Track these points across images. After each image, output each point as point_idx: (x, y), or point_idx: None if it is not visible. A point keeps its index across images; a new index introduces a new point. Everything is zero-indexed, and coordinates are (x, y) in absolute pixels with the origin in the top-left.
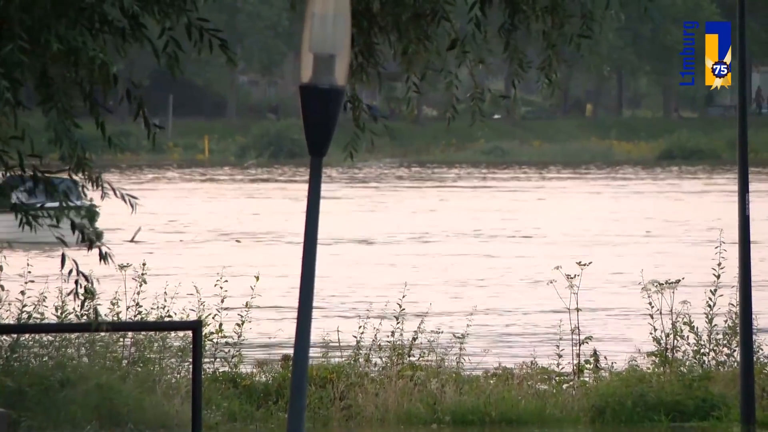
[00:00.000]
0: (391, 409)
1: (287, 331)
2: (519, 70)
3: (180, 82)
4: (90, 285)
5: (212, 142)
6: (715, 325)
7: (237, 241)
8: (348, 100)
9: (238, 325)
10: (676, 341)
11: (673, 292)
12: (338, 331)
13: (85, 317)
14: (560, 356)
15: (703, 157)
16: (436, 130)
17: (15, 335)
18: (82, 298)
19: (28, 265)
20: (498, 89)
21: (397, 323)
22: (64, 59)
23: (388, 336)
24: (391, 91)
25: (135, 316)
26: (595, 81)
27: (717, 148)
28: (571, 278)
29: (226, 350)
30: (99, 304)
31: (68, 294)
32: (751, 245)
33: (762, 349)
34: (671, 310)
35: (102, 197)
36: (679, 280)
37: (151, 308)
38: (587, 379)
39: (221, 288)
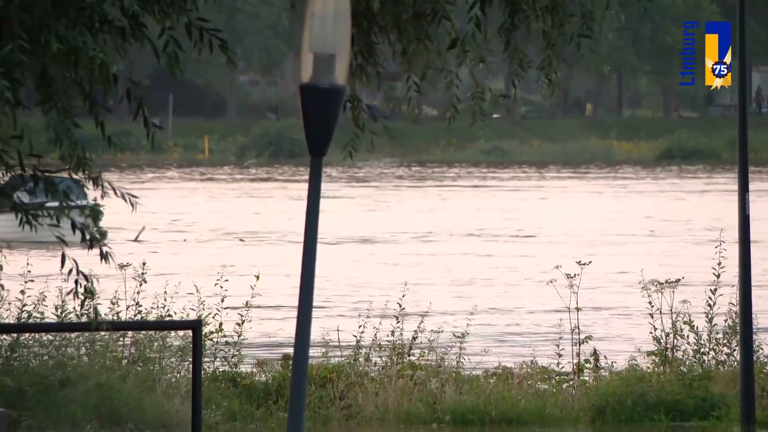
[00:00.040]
0: (391, 409)
1: (287, 330)
2: (519, 69)
3: (180, 82)
4: (90, 284)
5: (212, 141)
6: (715, 324)
7: (241, 240)
8: (347, 99)
9: (238, 324)
10: (676, 341)
11: (673, 292)
12: (338, 330)
13: (84, 317)
14: (560, 356)
15: (703, 156)
16: (436, 130)
17: (15, 334)
18: (82, 297)
19: (28, 264)
20: (498, 89)
21: (397, 323)
22: (64, 59)
23: (388, 335)
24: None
25: (135, 315)
26: (595, 81)
27: (717, 147)
28: (571, 278)
29: (226, 350)
30: (99, 304)
31: (68, 293)
32: (751, 245)
33: (762, 349)
34: (671, 310)
35: (102, 196)
36: (679, 280)
37: (151, 308)
38: (587, 378)
39: (221, 287)
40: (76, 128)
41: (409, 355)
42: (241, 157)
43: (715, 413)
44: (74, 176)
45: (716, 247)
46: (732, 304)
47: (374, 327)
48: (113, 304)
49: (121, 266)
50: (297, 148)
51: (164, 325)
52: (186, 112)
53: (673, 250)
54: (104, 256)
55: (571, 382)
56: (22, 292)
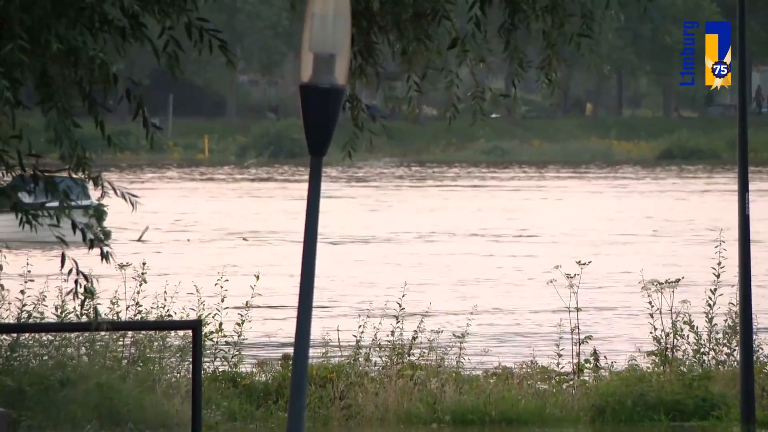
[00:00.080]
0: (391, 409)
1: (287, 330)
2: (519, 69)
3: (180, 82)
4: (90, 284)
5: (212, 141)
6: (715, 324)
7: (244, 239)
8: (347, 99)
9: (238, 324)
10: (676, 341)
11: (673, 292)
12: (338, 330)
13: (84, 317)
14: (560, 356)
15: (703, 156)
16: (436, 130)
17: (15, 334)
18: (81, 297)
19: (28, 264)
20: (498, 88)
21: (397, 322)
22: (64, 59)
23: (388, 336)
24: (391, 91)
25: (135, 315)
26: (595, 80)
27: (717, 147)
28: (571, 278)
29: (226, 350)
30: (99, 304)
31: (68, 293)
32: (752, 245)
33: (762, 349)
34: (671, 310)
35: (102, 196)
36: (679, 280)
37: (151, 308)
38: (587, 378)
39: (221, 287)
40: (76, 128)
41: (409, 355)
42: (241, 157)
43: (715, 413)
44: (74, 176)
45: (716, 247)
46: (732, 304)
47: (374, 327)
48: (113, 304)
49: (121, 266)
50: (297, 148)
51: (164, 325)
52: (186, 112)
53: (676, 250)
54: (105, 256)
55: (571, 382)
56: (22, 292)
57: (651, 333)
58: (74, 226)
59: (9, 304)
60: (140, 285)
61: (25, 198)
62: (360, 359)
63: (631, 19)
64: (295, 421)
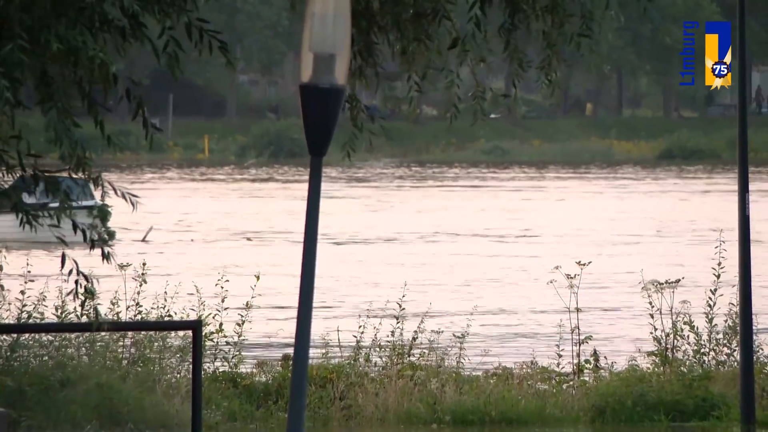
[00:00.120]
0: (391, 409)
1: (288, 330)
2: (519, 69)
3: (180, 82)
4: (90, 285)
5: (212, 141)
6: (715, 324)
7: (248, 239)
8: (345, 99)
9: (238, 324)
10: (676, 341)
11: (673, 292)
12: (338, 330)
13: (84, 317)
14: (560, 356)
15: (703, 156)
16: (436, 130)
17: (15, 335)
18: (82, 297)
19: (27, 264)
20: (498, 88)
21: (397, 323)
22: (64, 59)
23: (388, 336)
24: (391, 91)
25: (135, 315)
26: (595, 80)
27: (717, 147)
28: (571, 278)
29: (227, 350)
30: (99, 304)
31: (68, 294)
32: (752, 245)
33: (762, 349)
34: (671, 310)
35: (102, 196)
36: (679, 280)
37: (152, 308)
38: (587, 378)
39: (222, 288)
40: (75, 128)
41: (409, 356)
42: (241, 157)
43: (715, 413)
44: (75, 176)
45: (716, 247)
46: (732, 304)
47: (374, 327)
48: (113, 304)
49: (121, 266)
50: (297, 148)
51: (164, 325)
52: (186, 111)
53: (679, 251)
54: (106, 257)
55: (571, 383)
56: (22, 292)
57: (651, 333)
58: (75, 227)
59: (9, 304)
60: (140, 285)
61: (27, 198)
62: (360, 359)
63: (631, 19)
64: (295, 422)
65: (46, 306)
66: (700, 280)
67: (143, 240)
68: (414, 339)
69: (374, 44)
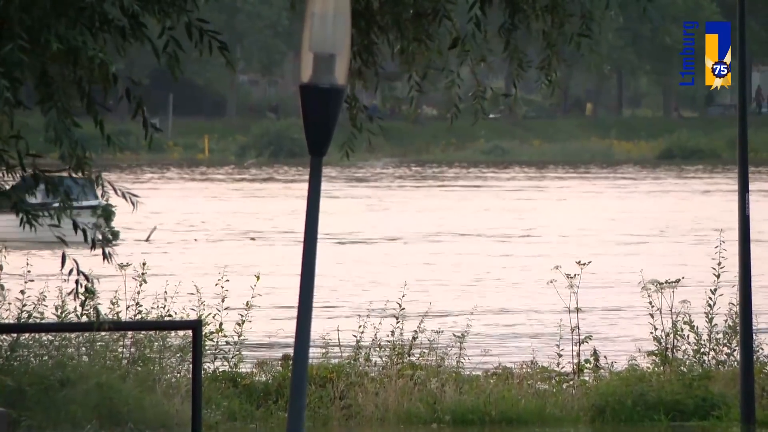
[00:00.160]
0: (391, 409)
1: (288, 330)
2: (519, 69)
3: (180, 82)
4: (90, 284)
5: (212, 141)
6: (715, 324)
7: (251, 239)
8: (345, 99)
9: (238, 324)
10: (676, 341)
11: (673, 292)
12: (338, 330)
13: (84, 317)
14: (560, 356)
15: (703, 156)
16: (436, 130)
17: (15, 334)
18: (82, 297)
19: (27, 264)
20: (499, 87)
21: (397, 322)
22: (64, 59)
23: (388, 335)
24: (391, 91)
25: (135, 315)
26: (595, 80)
27: (717, 147)
28: (571, 278)
29: (227, 350)
30: (99, 304)
31: (69, 293)
32: (752, 245)
33: (762, 349)
34: (671, 310)
35: (102, 196)
36: (679, 280)
37: (152, 308)
38: (587, 378)
39: (222, 287)
40: (75, 128)
41: (409, 355)
42: (241, 157)
43: (715, 413)
44: (75, 176)
45: (716, 247)
46: (732, 304)
47: (374, 327)
48: (113, 304)
49: (121, 266)
50: (297, 148)
51: (164, 325)
52: (186, 111)
53: (683, 251)
54: (107, 256)
55: (571, 382)
56: (22, 292)
57: (651, 333)
58: (75, 226)
59: (9, 304)
60: (140, 285)
61: (31, 198)
62: (360, 359)
63: (630, 19)
64: (295, 421)
65: (46, 306)
66: (704, 279)
67: (147, 240)
68: (414, 339)
69: (374, 44)
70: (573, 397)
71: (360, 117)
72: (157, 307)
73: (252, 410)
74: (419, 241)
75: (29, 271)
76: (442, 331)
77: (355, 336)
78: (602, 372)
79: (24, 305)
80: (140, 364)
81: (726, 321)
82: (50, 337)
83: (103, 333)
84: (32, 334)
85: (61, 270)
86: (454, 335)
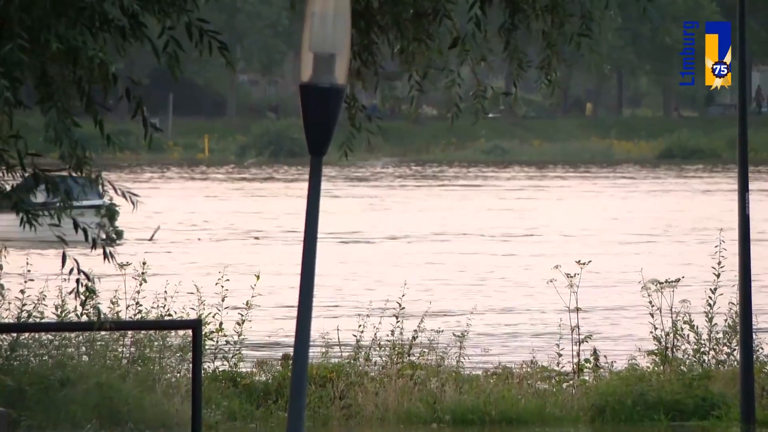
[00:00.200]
0: (391, 409)
1: (288, 330)
2: (519, 69)
3: (180, 82)
4: (91, 283)
5: (212, 141)
6: (715, 324)
7: (255, 238)
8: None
9: (238, 324)
10: (676, 340)
11: (673, 292)
12: (338, 329)
13: (84, 316)
14: (560, 355)
15: (703, 156)
16: (435, 129)
17: (15, 334)
18: (83, 297)
19: (27, 264)
20: (499, 87)
21: (397, 322)
22: (64, 58)
23: (388, 335)
24: (391, 91)
25: (135, 315)
26: (595, 80)
27: (717, 147)
28: (571, 277)
29: (227, 349)
30: (99, 303)
31: (70, 293)
32: (752, 244)
33: (762, 348)
34: (671, 309)
35: (102, 195)
36: (679, 279)
37: (151, 307)
38: (587, 378)
39: (222, 287)
40: (75, 128)
41: (409, 355)
42: (241, 157)
43: (715, 413)
44: (77, 176)
45: (716, 246)
46: (732, 303)
47: (374, 326)
48: (113, 303)
49: (121, 266)
50: (297, 148)
51: (164, 324)
52: (186, 111)
53: (686, 249)
54: (107, 256)
55: (571, 382)
56: (22, 291)
57: (651, 333)
58: (76, 226)
59: (9, 303)
60: (140, 284)
61: (34, 198)
62: (360, 359)
63: (630, 19)
64: (295, 421)
65: (46, 305)
66: (705, 279)
67: (150, 239)
68: (414, 338)
69: (374, 44)
70: (573, 397)
71: (359, 117)
72: (157, 306)
73: (252, 410)
74: (422, 240)
75: (29, 271)
76: (443, 331)
77: (354, 335)
78: (602, 372)
79: (24, 305)
80: (140, 363)
81: (726, 321)
82: (50, 337)
83: (103, 333)
84: (32, 334)
85: (61, 269)
86: (453, 335)
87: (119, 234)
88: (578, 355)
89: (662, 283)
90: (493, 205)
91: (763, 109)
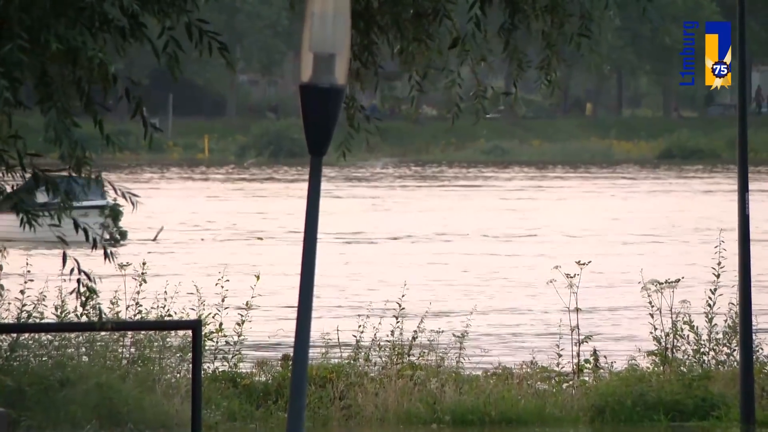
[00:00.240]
0: (390, 409)
1: (287, 330)
2: (519, 70)
3: (180, 82)
4: (93, 283)
5: (212, 141)
6: (715, 324)
7: (259, 239)
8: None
9: (238, 324)
10: (676, 341)
11: (673, 292)
12: (338, 330)
13: (84, 317)
14: (560, 356)
15: (703, 156)
16: (435, 130)
17: (15, 335)
18: (84, 297)
19: (27, 264)
20: (499, 87)
21: (397, 322)
22: (63, 59)
23: (387, 335)
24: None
25: (135, 315)
26: (595, 80)
27: (717, 147)
28: (571, 277)
29: (226, 350)
30: (99, 303)
31: (71, 293)
32: (752, 244)
33: (762, 349)
34: (671, 310)
35: (102, 195)
36: (679, 280)
37: (151, 308)
38: (587, 378)
39: (222, 287)
40: (75, 128)
41: (409, 355)
42: (241, 157)
43: (714, 413)
44: (79, 176)
45: (716, 247)
46: (732, 304)
47: (374, 327)
48: (113, 304)
49: (121, 266)
50: (297, 148)
51: (164, 325)
52: (186, 111)
53: (689, 250)
54: (108, 256)
55: (570, 382)
56: (22, 292)
57: (651, 333)
58: (76, 226)
59: (9, 304)
60: (140, 285)
61: (38, 198)
62: (360, 359)
63: (630, 19)
64: (295, 422)
65: (46, 306)
66: (705, 279)
67: (154, 240)
68: (414, 339)
69: (374, 44)
70: (573, 398)
71: (357, 117)
72: (157, 307)
73: (252, 410)
74: (423, 240)
75: (29, 271)
76: (443, 331)
77: (354, 336)
78: (602, 372)
79: (24, 305)
80: (140, 364)
81: (726, 321)
82: (50, 337)
83: (102, 333)
84: (32, 334)
85: (62, 269)
86: (453, 335)
87: (123, 234)
88: (578, 355)
89: (662, 283)
90: (493, 206)
91: (763, 109)
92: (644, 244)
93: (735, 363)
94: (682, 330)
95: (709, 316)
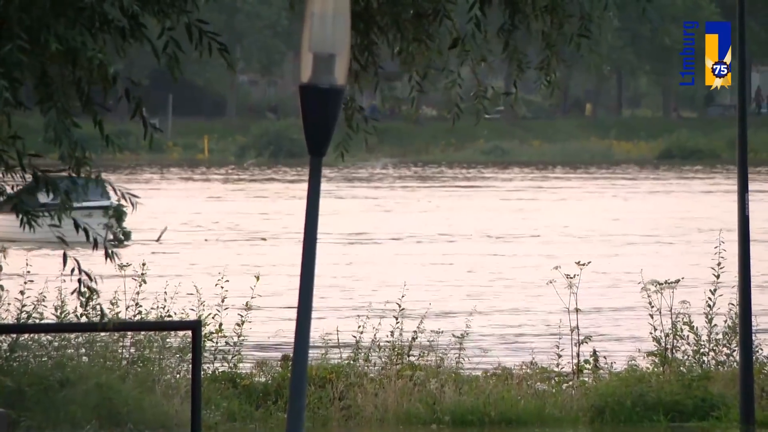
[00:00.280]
0: (390, 409)
1: (287, 331)
2: (518, 70)
3: (180, 82)
4: (94, 283)
5: (212, 141)
6: (715, 325)
7: (263, 239)
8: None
9: (238, 324)
10: (675, 341)
11: (673, 292)
12: (337, 331)
13: (84, 317)
14: (560, 356)
15: (703, 156)
16: (435, 130)
17: (14, 335)
18: (85, 297)
19: (27, 264)
20: (499, 87)
21: (397, 322)
22: (63, 59)
23: (387, 336)
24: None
25: (135, 315)
26: (595, 81)
27: (717, 147)
28: (570, 278)
29: (226, 350)
30: (99, 304)
31: (72, 293)
32: (752, 244)
33: (761, 349)
34: (671, 310)
35: (106, 196)
36: (678, 280)
37: (151, 308)
38: (587, 379)
39: (221, 287)
40: (75, 128)
41: (408, 356)
42: (241, 157)
43: (714, 414)
44: (79, 177)
45: (715, 247)
46: (732, 304)
47: (374, 327)
48: (113, 304)
49: (121, 266)
50: (297, 148)
51: (164, 325)
52: (186, 112)
53: (689, 249)
54: (110, 256)
55: (570, 383)
56: (22, 292)
57: (651, 333)
58: (77, 226)
59: (8, 304)
60: (140, 285)
61: (42, 198)
62: (360, 359)
63: (630, 19)
64: (295, 422)
65: (46, 306)
66: (705, 279)
67: (158, 240)
68: (413, 339)
69: (374, 44)
70: (572, 398)
71: (356, 117)
72: (157, 307)
73: (251, 411)
74: (426, 241)
75: (29, 272)
76: (443, 332)
77: (354, 336)
78: (602, 372)
79: (23, 305)
80: (140, 364)
81: (726, 321)
82: (49, 338)
83: (102, 333)
84: (31, 335)
85: (62, 269)
86: (453, 336)
87: (127, 235)
88: (578, 356)
89: (662, 284)
90: (494, 206)
91: (762, 109)
92: (645, 244)
93: (735, 363)
94: (681, 330)
95: (709, 317)
